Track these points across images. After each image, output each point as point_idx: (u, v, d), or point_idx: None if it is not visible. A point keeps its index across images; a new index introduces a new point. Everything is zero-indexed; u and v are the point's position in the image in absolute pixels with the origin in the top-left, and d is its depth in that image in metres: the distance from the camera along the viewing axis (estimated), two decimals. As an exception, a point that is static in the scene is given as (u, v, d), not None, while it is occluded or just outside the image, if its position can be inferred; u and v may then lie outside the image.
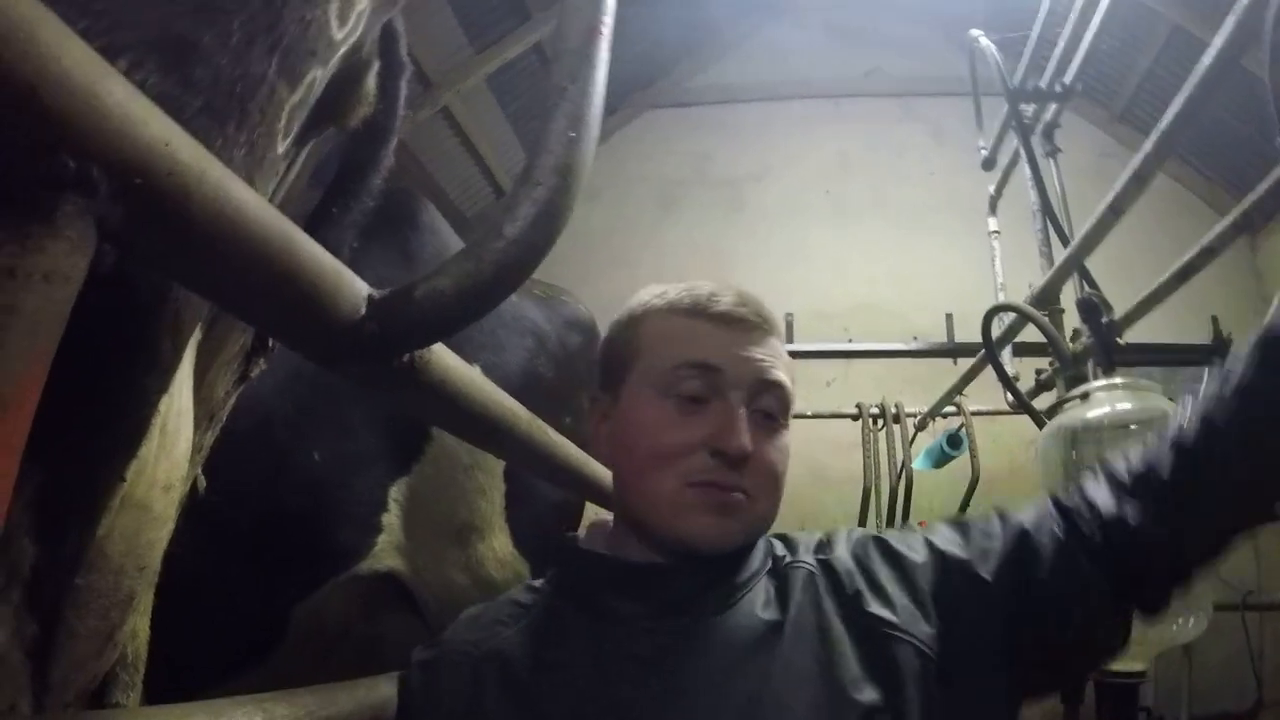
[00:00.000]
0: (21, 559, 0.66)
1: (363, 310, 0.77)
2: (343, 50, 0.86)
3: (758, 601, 0.98)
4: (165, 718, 0.83)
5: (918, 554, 1.00)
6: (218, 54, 0.66)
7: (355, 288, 0.76)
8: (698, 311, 1.03)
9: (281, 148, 0.82)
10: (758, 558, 1.03)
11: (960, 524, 1.03)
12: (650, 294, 1.09)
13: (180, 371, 0.82)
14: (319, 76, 0.82)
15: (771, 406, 1.02)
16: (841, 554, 1.02)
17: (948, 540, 1.00)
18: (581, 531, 1.13)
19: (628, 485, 1.03)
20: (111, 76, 0.48)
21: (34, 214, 0.46)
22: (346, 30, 0.85)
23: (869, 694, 0.88)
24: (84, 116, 0.45)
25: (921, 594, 0.96)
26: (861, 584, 0.97)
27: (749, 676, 0.90)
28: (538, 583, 1.11)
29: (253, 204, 0.58)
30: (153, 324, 0.71)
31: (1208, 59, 1.60)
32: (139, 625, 0.98)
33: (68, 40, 0.46)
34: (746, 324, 1.03)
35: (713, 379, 0.99)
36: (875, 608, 0.94)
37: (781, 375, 1.03)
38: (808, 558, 1.03)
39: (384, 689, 1.07)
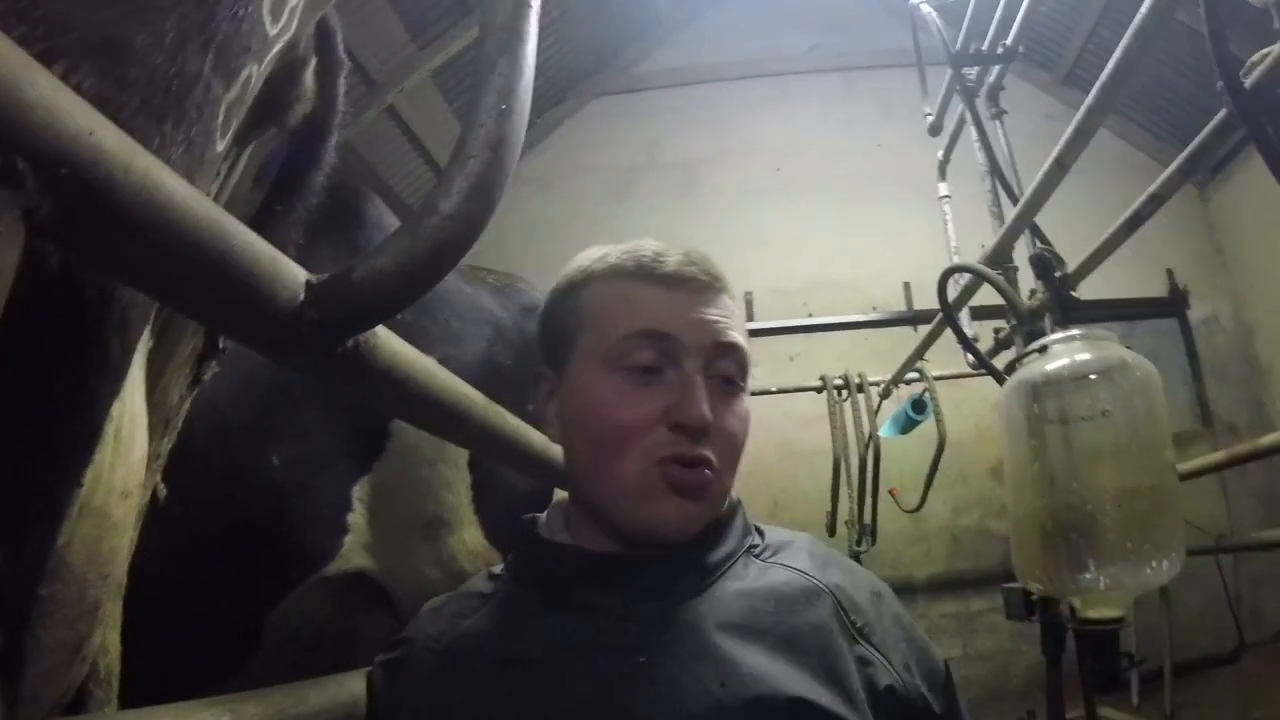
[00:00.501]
0: (-19, 570, 0.66)
1: (302, 296, 0.76)
2: (277, 47, 0.86)
3: (735, 584, 0.93)
4: (136, 720, 0.82)
5: (925, 654, 0.95)
6: (152, 53, 0.67)
7: (293, 273, 0.75)
8: (643, 274, 0.95)
9: (220, 145, 0.82)
10: (733, 538, 0.98)
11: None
12: (589, 258, 1.01)
13: (131, 377, 0.82)
14: (255, 73, 0.83)
15: (729, 370, 0.94)
16: (859, 583, 0.97)
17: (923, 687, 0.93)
18: (543, 515, 1.05)
19: (585, 471, 0.96)
20: (34, 68, 0.47)
21: (-43, 210, 0.46)
22: (280, 26, 0.85)
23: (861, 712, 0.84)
24: (6, 108, 0.45)
25: (914, 670, 0.92)
26: (877, 622, 0.93)
27: (727, 660, 0.84)
28: (498, 569, 1.04)
29: (182, 192, 0.57)
30: (100, 325, 0.70)
31: (1144, 9, 1.63)
32: (109, 639, 0.97)
33: (-11, 34, 0.46)
34: (696, 284, 0.95)
35: (665, 346, 0.92)
36: (881, 647, 0.91)
37: (738, 336, 0.96)
38: (816, 572, 0.95)
39: (354, 686, 1.06)
